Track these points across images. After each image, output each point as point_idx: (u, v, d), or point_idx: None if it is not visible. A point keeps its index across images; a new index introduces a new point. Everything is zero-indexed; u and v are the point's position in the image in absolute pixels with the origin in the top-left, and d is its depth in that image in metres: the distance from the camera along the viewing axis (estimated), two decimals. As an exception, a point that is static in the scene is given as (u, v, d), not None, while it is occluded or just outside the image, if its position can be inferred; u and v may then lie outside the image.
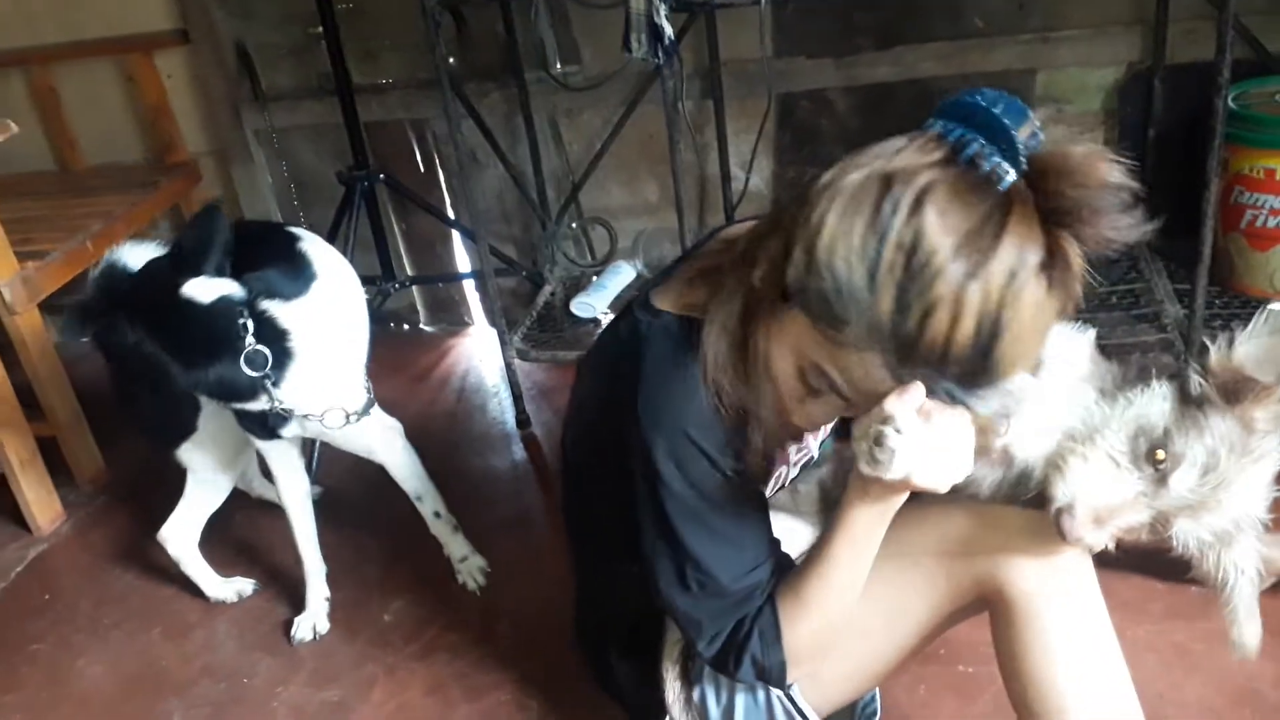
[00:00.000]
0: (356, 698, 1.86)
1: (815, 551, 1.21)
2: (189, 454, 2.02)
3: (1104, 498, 1.13)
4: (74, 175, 3.12)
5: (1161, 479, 1.13)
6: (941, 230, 0.92)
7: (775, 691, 1.34)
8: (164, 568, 2.16)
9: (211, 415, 1.96)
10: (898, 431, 0.99)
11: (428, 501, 2.06)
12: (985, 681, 1.65)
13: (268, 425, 1.88)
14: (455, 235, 3.01)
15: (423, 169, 2.94)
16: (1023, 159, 0.93)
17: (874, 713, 1.52)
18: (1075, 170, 0.93)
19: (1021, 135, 0.94)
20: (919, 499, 1.23)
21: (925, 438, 1.00)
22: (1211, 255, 2.03)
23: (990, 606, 1.23)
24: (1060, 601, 1.18)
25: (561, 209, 2.83)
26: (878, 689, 1.53)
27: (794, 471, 1.42)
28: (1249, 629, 1.26)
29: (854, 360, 1.00)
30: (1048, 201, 0.94)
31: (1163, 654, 1.67)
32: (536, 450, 2.45)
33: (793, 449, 1.37)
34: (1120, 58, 2.47)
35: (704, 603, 1.21)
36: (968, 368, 0.96)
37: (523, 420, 2.51)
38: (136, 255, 1.83)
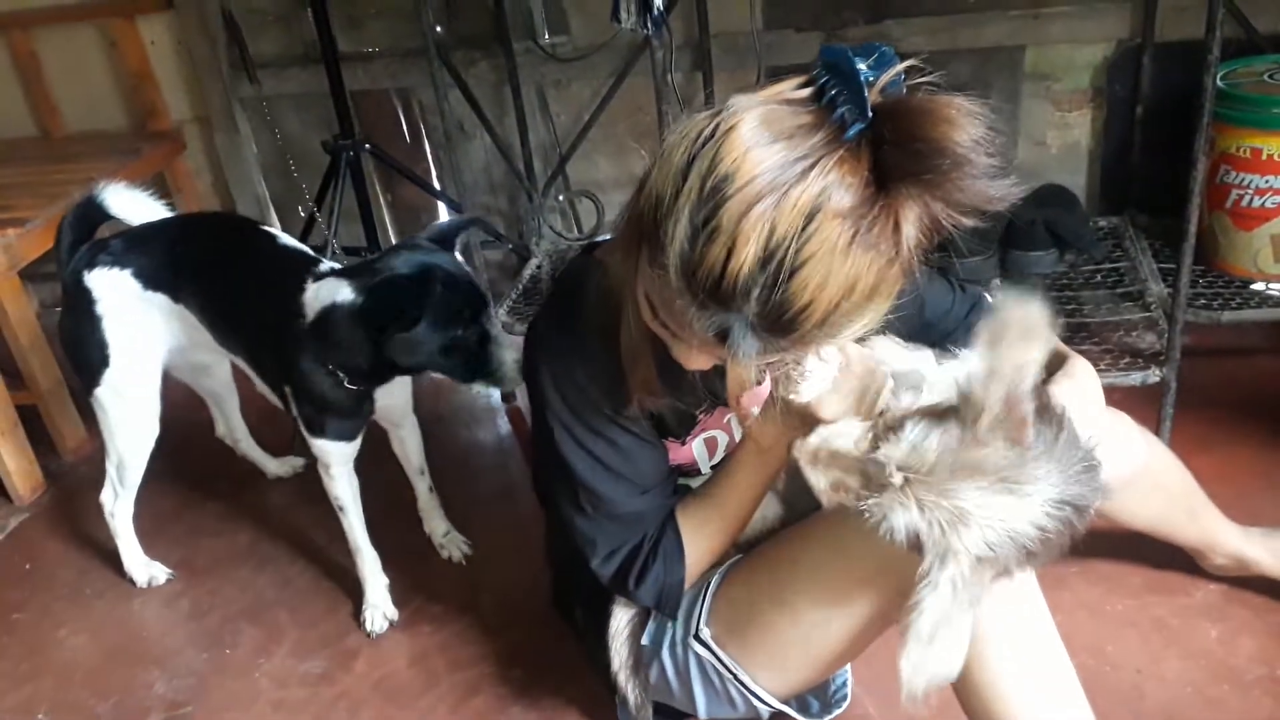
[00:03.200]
0: (339, 669, 1.86)
1: (723, 468, 1.30)
2: (105, 394, 1.98)
3: (830, 441, 1.11)
4: (56, 142, 3.09)
5: (875, 443, 1.08)
6: (744, 158, 0.88)
7: (727, 675, 1.35)
8: (146, 537, 2.15)
9: (120, 366, 1.96)
10: (815, 365, 1.09)
11: (426, 475, 2.07)
12: (966, 655, 1.66)
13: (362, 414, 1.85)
14: (441, 206, 2.98)
15: (409, 139, 2.92)
16: (869, 108, 0.89)
17: (845, 697, 1.53)
18: (918, 123, 0.87)
19: (878, 84, 0.90)
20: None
21: (834, 373, 1.10)
22: (1196, 234, 2.03)
23: None
24: (999, 609, 1.15)
25: (548, 181, 2.81)
26: (849, 671, 1.54)
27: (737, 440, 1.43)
28: (918, 658, 1.01)
29: (672, 298, 0.95)
30: (888, 155, 0.89)
31: (1141, 629, 1.69)
32: (521, 423, 2.44)
33: (732, 417, 1.39)
34: (1110, 34, 2.47)
35: (597, 523, 1.29)
36: (762, 310, 0.91)
37: (507, 394, 2.51)
38: (117, 198, 1.97)
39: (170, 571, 2.14)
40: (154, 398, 2.00)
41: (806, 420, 1.15)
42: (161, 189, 3.09)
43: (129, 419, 2.00)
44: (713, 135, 0.90)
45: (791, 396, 1.13)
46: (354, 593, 2.02)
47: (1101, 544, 1.79)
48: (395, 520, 2.12)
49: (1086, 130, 2.59)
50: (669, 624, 1.40)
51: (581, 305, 1.20)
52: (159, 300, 1.93)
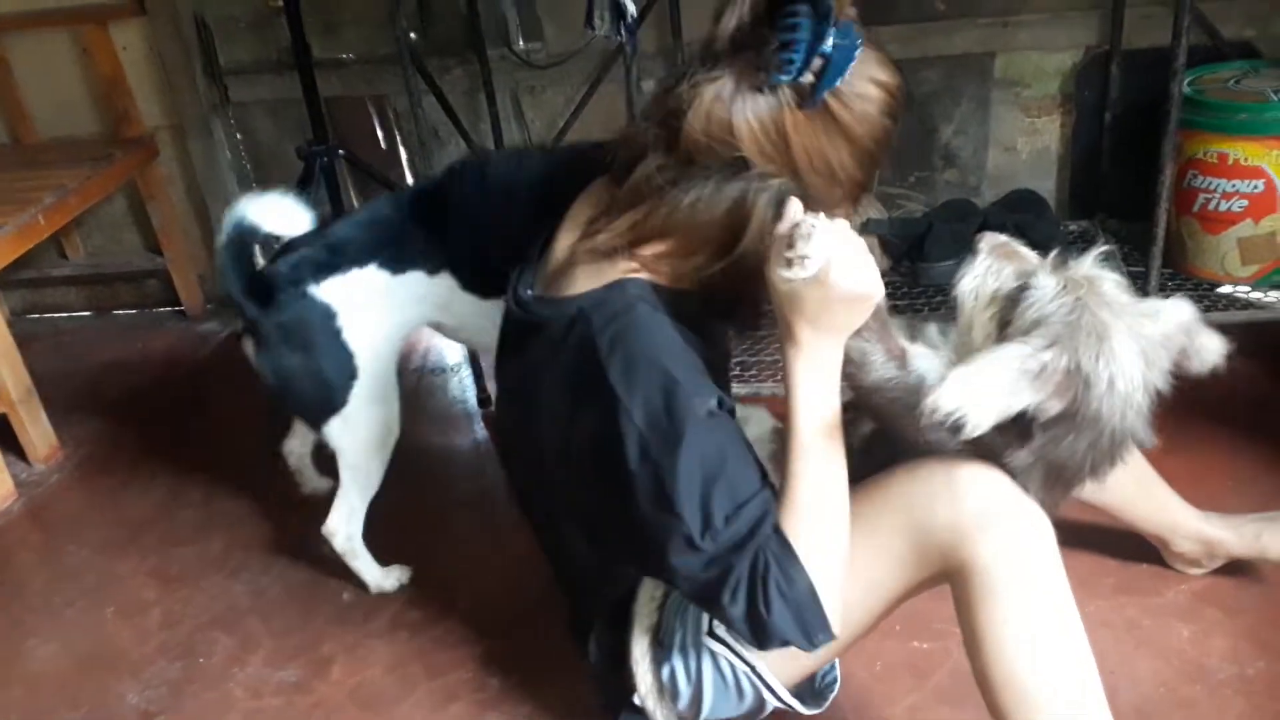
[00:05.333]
0: (315, 677, 1.85)
1: (785, 449, 1.21)
2: (351, 413, 1.84)
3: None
4: (26, 148, 3.06)
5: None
6: None
7: (742, 667, 1.35)
8: (118, 546, 2.13)
9: (367, 371, 1.83)
10: (817, 221, 1.10)
11: None
12: (941, 657, 1.67)
13: None
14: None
15: (384, 145, 2.92)
16: None
17: (834, 680, 1.53)
18: None
19: None
20: (878, 473, 1.29)
21: (837, 230, 1.12)
22: (1165, 238, 2.06)
23: (952, 580, 1.24)
24: (1019, 571, 1.20)
25: (524, 188, 2.81)
26: (836, 659, 1.55)
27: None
28: (964, 381, 1.10)
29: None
30: None
31: (1115, 629, 1.70)
32: (498, 429, 2.45)
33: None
34: (1078, 42, 2.50)
35: (718, 554, 1.15)
36: None
37: (484, 399, 2.51)
38: (264, 213, 1.80)
39: (409, 569, 2.04)
40: (396, 396, 1.89)
41: (829, 324, 1.16)
42: (134, 196, 3.08)
43: (379, 424, 1.87)
44: None
45: (798, 264, 1.11)
46: (329, 600, 2.02)
47: (1074, 545, 1.80)
48: (374, 527, 2.11)
49: (1056, 136, 2.62)
50: (678, 626, 1.39)
51: (634, 314, 1.20)
52: (413, 279, 1.82)
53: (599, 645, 1.49)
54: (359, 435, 1.86)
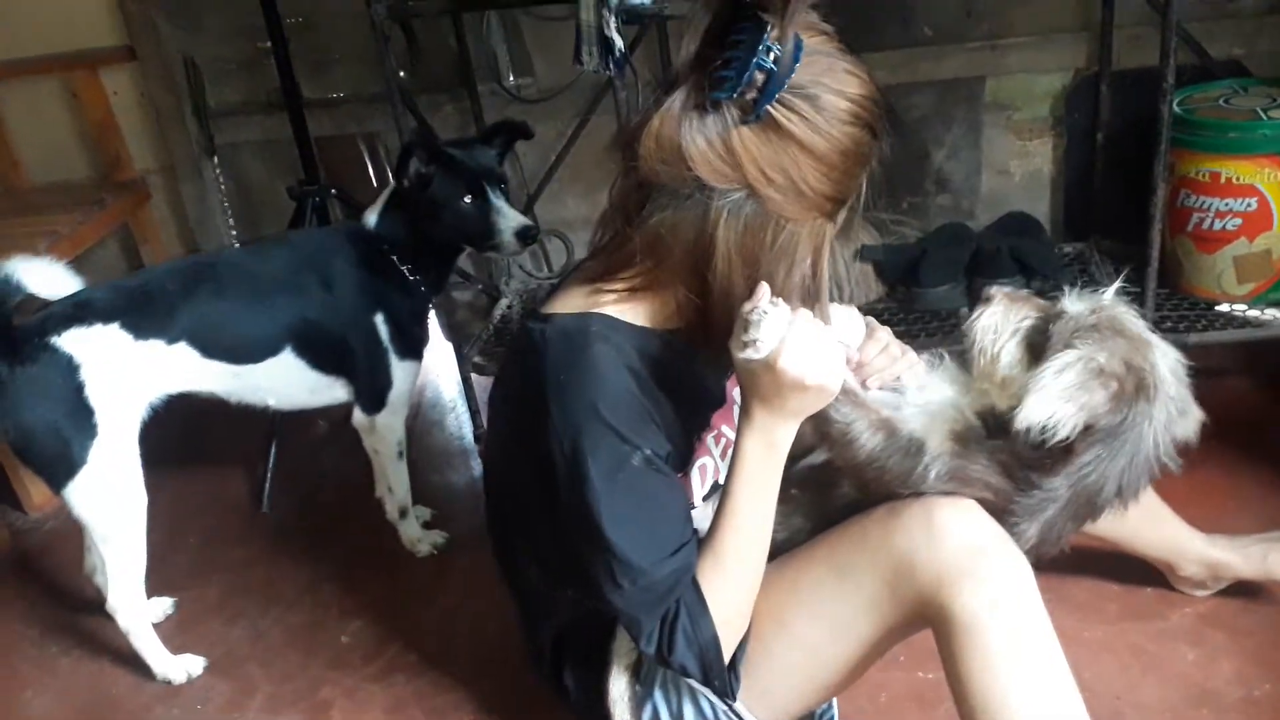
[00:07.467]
0: (314, 721, 1.84)
1: (719, 507, 1.26)
2: (92, 474, 1.82)
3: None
4: (18, 194, 3.06)
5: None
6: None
7: (721, 706, 1.34)
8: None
9: (109, 433, 1.82)
10: (769, 308, 1.13)
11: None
12: (946, 688, 1.64)
13: None
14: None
15: (375, 183, 2.92)
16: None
17: (832, 717, 1.51)
18: None
19: None
20: (856, 516, 1.29)
21: (791, 318, 1.14)
22: (1160, 258, 2.06)
23: (934, 625, 1.23)
24: (1002, 619, 1.18)
25: (517, 222, 2.81)
26: (834, 699, 1.53)
27: (721, 466, 1.42)
28: (1047, 393, 1.19)
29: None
30: None
31: (1119, 655, 1.68)
32: (495, 465, 2.43)
33: (710, 438, 1.40)
34: (1067, 64, 2.51)
35: (636, 598, 1.23)
36: None
37: (480, 435, 2.49)
38: (31, 271, 1.81)
39: (204, 659, 1.99)
40: (138, 463, 1.87)
41: (784, 407, 1.18)
42: (127, 240, 3.08)
43: (125, 492, 1.85)
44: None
45: (751, 347, 1.14)
46: (327, 644, 2.00)
47: (1076, 572, 1.80)
48: (372, 570, 2.10)
49: (1048, 158, 2.62)
50: (659, 666, 1.38)
51: (586, 355, 1.21)
52: (152, 348, 1.85)
53: (577, 682, 1.48)
54: (102, 503, 1.84)
